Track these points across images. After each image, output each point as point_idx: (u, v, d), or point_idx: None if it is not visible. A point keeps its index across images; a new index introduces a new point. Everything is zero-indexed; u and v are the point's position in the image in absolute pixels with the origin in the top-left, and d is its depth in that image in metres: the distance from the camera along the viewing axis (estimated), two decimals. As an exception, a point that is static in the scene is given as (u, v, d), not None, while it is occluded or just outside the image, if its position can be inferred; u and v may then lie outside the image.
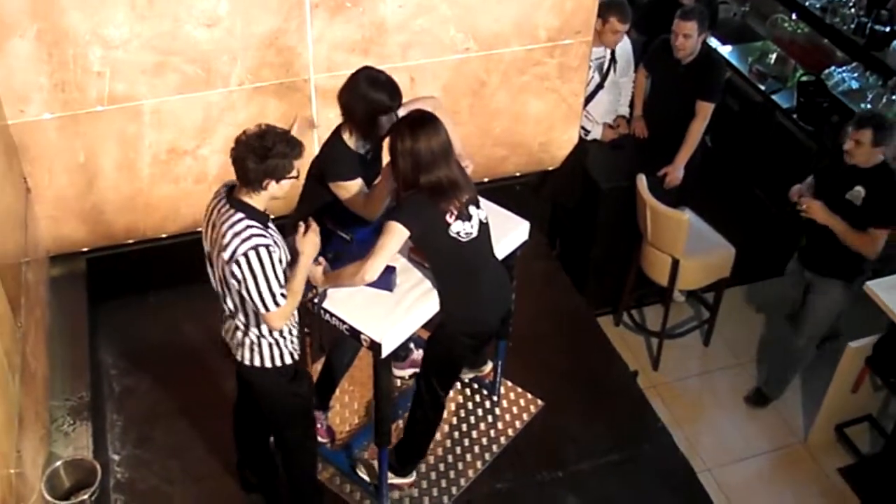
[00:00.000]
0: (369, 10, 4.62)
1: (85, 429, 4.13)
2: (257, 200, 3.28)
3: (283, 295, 3.30)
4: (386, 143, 3.57)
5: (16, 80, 4.24)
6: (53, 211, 4.70)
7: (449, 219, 3.50)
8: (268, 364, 3.53)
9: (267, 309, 3.30)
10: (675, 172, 5.54)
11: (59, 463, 3.83)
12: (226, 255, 3.23)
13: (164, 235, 4.99)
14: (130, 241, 4.97)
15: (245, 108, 4.70)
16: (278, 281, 3.27)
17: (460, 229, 3.53)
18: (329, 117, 4.61)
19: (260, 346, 3.48)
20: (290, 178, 3.27)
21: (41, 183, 4.58)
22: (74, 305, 4.74)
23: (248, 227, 3.23)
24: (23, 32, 4.12)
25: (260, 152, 3.16)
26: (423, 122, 3.42)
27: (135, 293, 5.07)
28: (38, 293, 4.37)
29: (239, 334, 3.49)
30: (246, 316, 3.41)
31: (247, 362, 3.53)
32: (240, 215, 3.25)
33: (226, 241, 3.23)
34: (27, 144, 4.43)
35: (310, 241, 3.40)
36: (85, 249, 4.92)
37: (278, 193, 3.30)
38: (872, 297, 4.71)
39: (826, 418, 5.23)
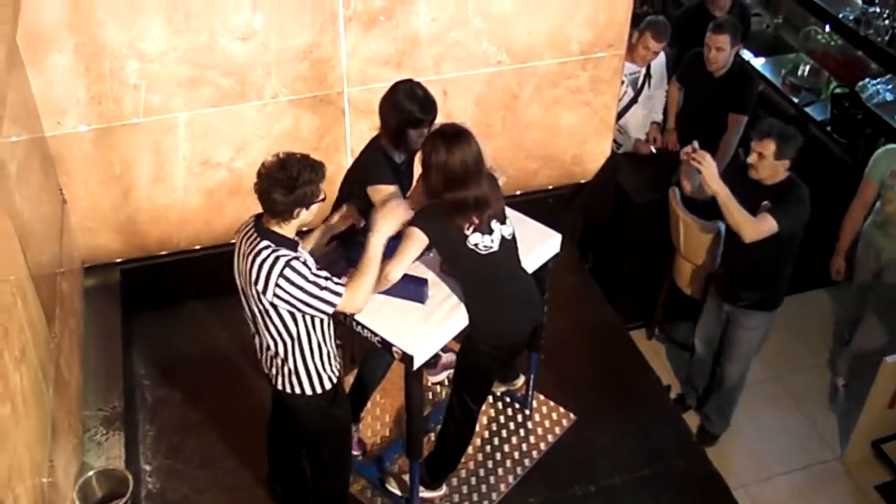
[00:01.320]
0: (403, 24, 4.64)
1: (117, 439, 4.16)
2: (287, 229, 3.26)
3: (336, 283, 3.27)
4: (418, 154, 3.57)
5: (54, 93, 4.29)
6: (88, 222, 4.75)
7: (466, 230, 3.49)
8: (308, 391, 3.51)
9: (334, 304, 3.27)
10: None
11: (91, 473, 3.86)
12: (259, 286, 3.21)
13: (197, 247, 5.02)
14: (164, 253, 5.01)
15: (279, 121, 4.73)
16: (323, 277, 3.24)
17: (479, 241, 3.52)
18: (362, 130, 4.64)
19: (298, 373, 3.47)
20: (318, 201, 3.26)
21: (77, 194, 4.63)
22: (108, 316, 4.77)
23: (274, 251, 3.20)
24: (61, 47, 4.17)
25: (286, 184, 3.11)
26: (458, 135, 3.41)
27: (168, 304, 5.09)
28: (73, 303, 4.40)
29: (279, 361, 3.47)
30: (285, 346, 3.39)
31: (288, 390, 3.52)
32: (265, 243, 3.22)
33: (254, 272, 3.20)
34: (64, 156, 4.48)
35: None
36: (119, 260, 4.96)
37: (307, 219, 3.29)
38: (909, 312, 4.66)
39: (863, 434, 5.16)
